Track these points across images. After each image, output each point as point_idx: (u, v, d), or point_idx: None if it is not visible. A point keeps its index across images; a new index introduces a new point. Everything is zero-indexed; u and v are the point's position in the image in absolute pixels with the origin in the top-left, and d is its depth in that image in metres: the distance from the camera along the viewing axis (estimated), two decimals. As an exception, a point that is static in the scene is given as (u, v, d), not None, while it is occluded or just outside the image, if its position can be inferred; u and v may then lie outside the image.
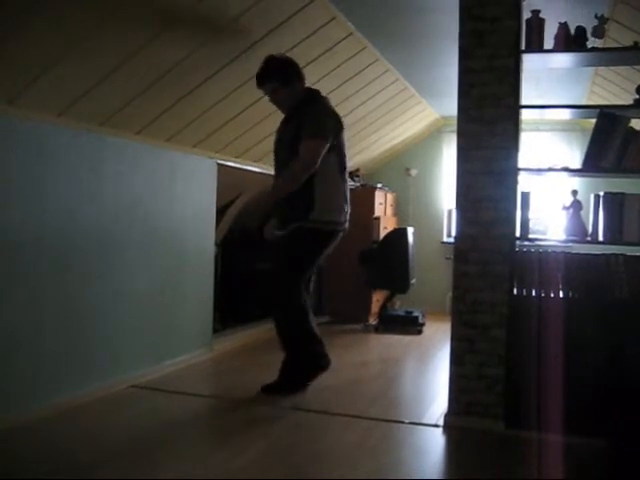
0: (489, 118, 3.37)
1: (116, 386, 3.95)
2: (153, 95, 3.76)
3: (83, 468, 2.78)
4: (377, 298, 6.93)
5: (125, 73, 3.43)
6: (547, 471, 2.88)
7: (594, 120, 3.35)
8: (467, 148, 3.42)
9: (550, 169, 3.58)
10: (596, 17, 3.37)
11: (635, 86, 3.42)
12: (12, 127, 3.23)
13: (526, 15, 3.39)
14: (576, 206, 3.49)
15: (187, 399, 3.94)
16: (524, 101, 3.45)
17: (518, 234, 3.38)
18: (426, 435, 3.39)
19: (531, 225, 3.49)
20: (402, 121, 6.95)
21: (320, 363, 3.92)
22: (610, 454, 2.86)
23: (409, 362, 5.32)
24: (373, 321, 6.67)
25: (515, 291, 3.37)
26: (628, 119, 3.29)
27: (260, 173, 5.69)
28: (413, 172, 7.72)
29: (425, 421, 3.55)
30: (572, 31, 3.36)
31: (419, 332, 6.35)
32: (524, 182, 3.53)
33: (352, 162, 5.82)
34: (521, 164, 3.40)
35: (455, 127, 3.48)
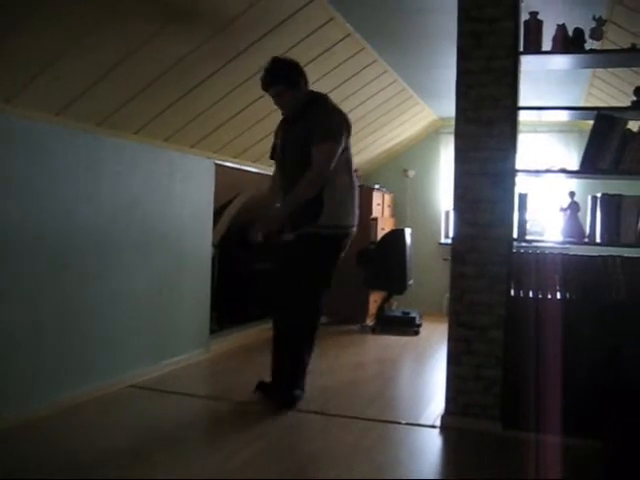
0: (487, 119, 3.37)
1: (114, 386, 3.95)
2: (151, 95, 3.75)
3: (82, 468, 2.79)
4: (374, 299, 6.93)
5: (123, 73, 3.43)
6: (544, 472, 2.88)
7: (592, 122, 3.35)
8: (465, 149, 3.43)
9: (548, 170, 3.59)
10: (594, 19, 3.38)
11: (633, 88, 3.42)
12: (9, 126, 3.23)
13: (524, 17, 3.39)
14: (573, 208, 3.49)
15: (184, 399, 3.94)
16: (522, 102, 3.46)
17: (515, 235, 3.39)
18: (423, 436, 3.39)
19: (528, 226, 3.49)
20: (400, 122, 6.96)
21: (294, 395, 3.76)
22: (607, 455, 2.86)
23: (406, 363, 5.32)
24: (370, 322, 6.67)
25: (512, 292, 3.37)
26: (626, 121, 3.30)
27: (258, 173, 5.69)
28: (411, 173, 7.72)
29: (422, 422, 3.55)
30: (570, 33, 3.36)
31: (416, 333, 6.36)
32: (522, 183, 3.54)
33: (350, 163, 5.82)
34: (519, 165, 3.40)
35: (453, 128, 3.48)
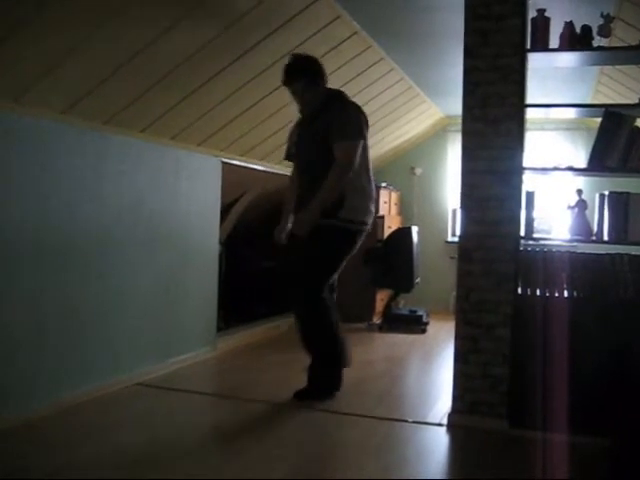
0: (494, 117, 3.36)
1: (120, 384, 3.96)
2: (158, 93, 3.76)
3: (82, 467, 2.78)
4: (381, 297, 6.92)
5: (130, 71, 3.43)
6: (551, 471, 2.87)
7: (599, 119, 3.34)
8: (472, 147, 3.42)
9: (555, 168, 3.58)
10: (602, 16, 3.36)
11: (641, 85, 3.41)
12: (17, 125, 3.24)
13: (531, 14, 3.38)
14: (581, 205, 3.48)
15: (190, 397, 3.95)
16: (529, 100, 3.44)
17: (523, 233, 3.38)
18: (430, 434, 3.38)
19: (536, 224, 3.48)
20: (407, 120, 6.95)
21: (341, 363, 3.89)
22: (615, 453, 2.85)
23: (413, 361, 5.31)
24: (377, 320, 6.67)
25: (520, 290, 3.36)
26: (634, 118, 3.28)
27: (265, 171, 5.70)
28: (418, 171, 7.72)
29: (429, 420, 3.55)
30: (578, 30, 3.35)
31: (423, 331, 6.35)
32: (529, 181, 3.53)
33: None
34: (526, 163, 3.39)
35: (460, 126, 3.48)
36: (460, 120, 3.46)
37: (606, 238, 3.30)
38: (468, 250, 3.43)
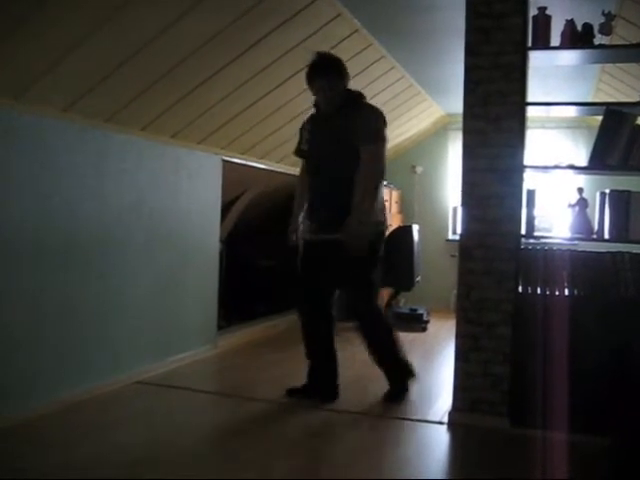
0: (495, 115, 3.36)
1: (120, 382, 3.96)
2: (158, 91, 3.76)
3: (82, 467, 2.78)
4: (382, 295, 6.91)
5: (131, 69, 3.43)
6: (552, 469, 2.87)
7: (600, 117, 3.33)
8: (473, 145, 3.41)
9: (556, 167, 3.58)
10: (603, 14, 3.36)
11: (642, 83, 3.41)
12: (17, 122, 3.23)
13: (532, 12, 3.37)
14: (582, 204, 3.48)
15: (190, 395, 3.94)
16: (530, 98, 3.44)
17: (523, 231, 3.38)
18: (431, 432, 3.38)
19: (537, 223, 3.48)
20: (407, 118, 6.94)
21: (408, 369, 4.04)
22: (615, 452, 2.85)
23: (414, 359, 5.25)
24: (378, 318, 6.65)
25: (520, 289, 3.36)
26: (635, 116, 3.28)
27: (265, 170, 5.69)
28: (418, 169, 7.71)
29: (430, 418, 3.55)
30: (579, 28, 3.35)
31: (424, 329, 6.35)
32: (530, 179, 3.52)
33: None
34: (527, 161, 3.39)
35: (461, 124, 3.47)
36: (461, 118, 3.46)
37: (607, 236, 3.29)
38: (469, 248, 3.43)
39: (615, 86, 5.47)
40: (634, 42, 3.47)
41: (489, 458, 3.04)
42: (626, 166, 3.27)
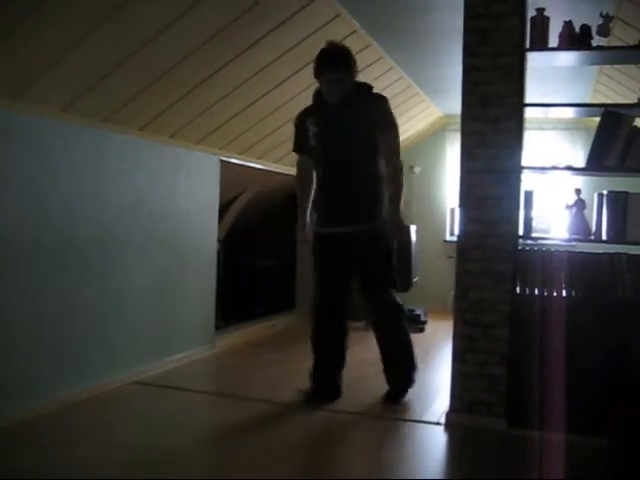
0: (493, 117, 3.36)
1: (118, 382, 3.96)
2: (157, 91, 3.75)
3: (80, 466, 2.78)
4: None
5: (130, 69, 3.43)
6: (549, 470, 2.87)
7: (598, 119, 3.34)
8: (471, 146, 3.42)
9: (554, 168, 3.58)
10: (601, 15, 3.36)
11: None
12: (15, 122, 3.23)
13: (531, 13, 3.38)
14: (579, 205, 3.48)
15: (188, 395, 3.94)
16: (528, 99, 3.45)
17: (521, 233, 3.38)
18: (428, 433, 3.39)
19: (534, 224, 3.48)
20: (406, 119, 6.94)
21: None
22: (613, 453, 2.85)
23: (411, 360, 5.30)
24: (375, 319, 6.65)
25: (518, 290, 3.36)
26: (632, 118, 3.28)
27: (263, 170, 5.69)
28: (417, 170, 7.70)
29: (427, 419, 3.55)
30: (577, 29, 3.35)
31: (421, 330, 6.35)
32: (527, 181, 3.53)
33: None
34: (525, 162, 3.39)
35: (459, 125, 3.47)
36: (459, 119, 3.46)
37: (604, 237, 3.30)
38: (466, 249, 3.43)
39: (613, 87, 5.48)
40: (632, 44, 3.47)
41: (486, 459, 3.04)
42: (623, 167, 3.27)
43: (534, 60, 3.46)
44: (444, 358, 4.76)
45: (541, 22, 3.36)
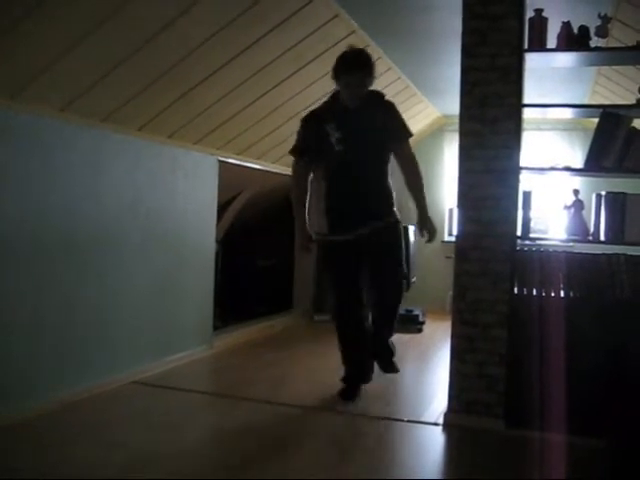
0: (491, 117, 3.36)
1: (118, 382, 3.96)
2: (155, 91, 3.76)
3: (79, 466, 2.78)
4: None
5: (129, 69, 3.43)
6: (547, 471, 2.87)
7: (596, 120, 3.34)
8: (469, 147, 3.42)
9: (552, 168, 3.58)
10: (599, 16, 3.37)
11: (638, 86, 3.41)
12: (13, 122, 3.23)
13: (529, 14, 3.38)
14: (578, 205, 3.49)
15: (187, 395, 3.95)
16: (526, 100, 3.45)
17: (519, 233, 3.38)
18: (426, 433, 3.39)
19: (532, 224, 3.49)
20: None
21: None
22: (611, 454, 2.86)
23: (409, 360, 5.31)
24: (373, 319, 6.65)
25: (516, 290, 3.37)
26: (631, 119, 3.29)
27: (261, 170, 5.69)
28: (415, 170, 7.70)
29: (425, 419, 3.55)
30: (575, 30, 3.35)
31: (419, 330, 6.35)
32: (526, 181, 3.53)
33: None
34: (523, 163, 3.39)
35: (457, 126, 3.48)
36: (457, 120, 3.46)
37: (602, 238, 3.30)
38: (464, 250, 3.43)
39: (611, 88, 5.49)
40: (630, 45, 3.48)
41: (484, 459, 3.04)
42: (622, 168, 3.28)
43: (532, 61, 3.47)
44: (442, 358, 4.77)
45: (539, 23, 3.36)
